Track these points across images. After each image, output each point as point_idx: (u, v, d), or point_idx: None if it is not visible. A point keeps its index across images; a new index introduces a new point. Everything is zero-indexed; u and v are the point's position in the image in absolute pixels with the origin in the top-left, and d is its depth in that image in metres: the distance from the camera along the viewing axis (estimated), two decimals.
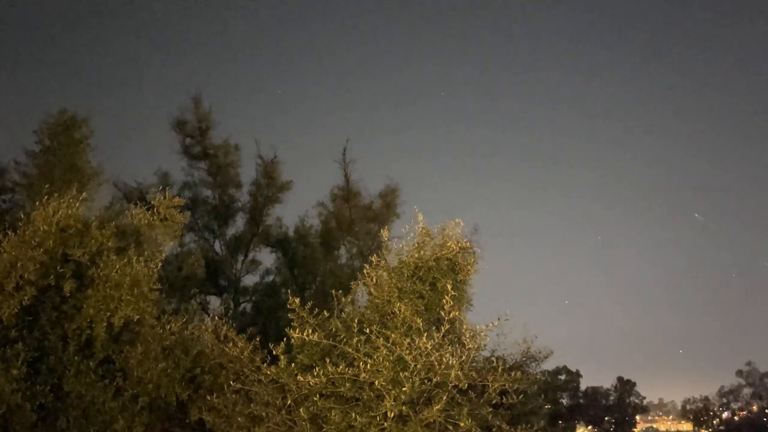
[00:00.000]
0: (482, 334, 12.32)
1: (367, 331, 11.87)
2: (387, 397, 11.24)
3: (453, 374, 11.30)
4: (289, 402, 11.95)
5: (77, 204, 14.82)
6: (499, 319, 12.43)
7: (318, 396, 11.74)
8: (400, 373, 11.45)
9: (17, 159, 22.41)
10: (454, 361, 11.40)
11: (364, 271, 13.22)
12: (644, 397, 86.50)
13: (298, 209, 36.86)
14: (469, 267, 13.49)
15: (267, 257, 32.94)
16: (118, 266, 14.22)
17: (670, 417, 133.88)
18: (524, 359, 18.75)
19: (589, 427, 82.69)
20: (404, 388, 11.24)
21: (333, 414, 11.46)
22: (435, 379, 11.49)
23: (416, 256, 13.12)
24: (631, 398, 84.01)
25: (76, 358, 13.81)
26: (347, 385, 11.54)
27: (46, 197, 14.69)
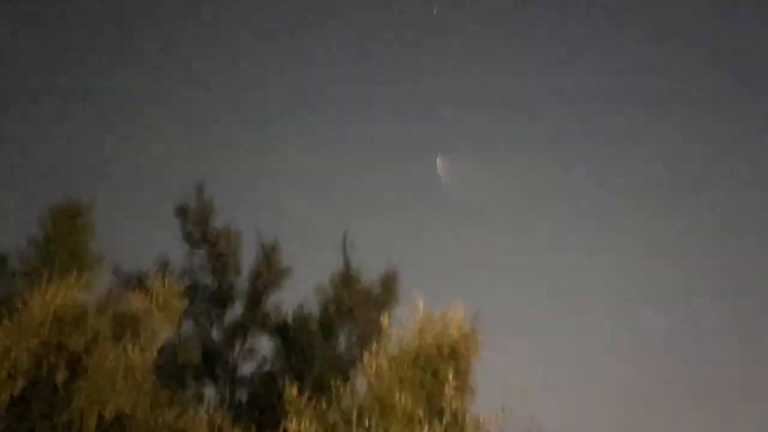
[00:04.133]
0: (486, 427, 11.95)
1: (367, 424, 11.53)
2: None
3: None
4: None
5: (75, 291, 14.73)
6: (503, 410, 12.10)
7: None
8: None
9: (19, 247, 22.52)
10: None
11: (364, 359, 12.99)
12: None
13: (297, 293, 36.60)
14: (471, 354, 13.26)
15: (265, 344, 32.37)
16: (112, 355, 13.97)
17: None
18: None
19: None
20: None
21: None
22: None
23: (417, 344, 12.93)
24: None
25: None
26: None
27: (45, 284, 14.63)
